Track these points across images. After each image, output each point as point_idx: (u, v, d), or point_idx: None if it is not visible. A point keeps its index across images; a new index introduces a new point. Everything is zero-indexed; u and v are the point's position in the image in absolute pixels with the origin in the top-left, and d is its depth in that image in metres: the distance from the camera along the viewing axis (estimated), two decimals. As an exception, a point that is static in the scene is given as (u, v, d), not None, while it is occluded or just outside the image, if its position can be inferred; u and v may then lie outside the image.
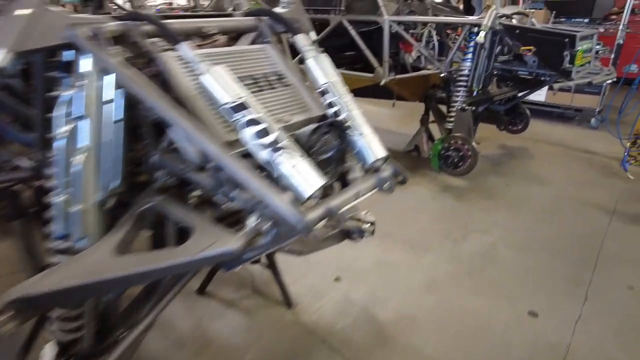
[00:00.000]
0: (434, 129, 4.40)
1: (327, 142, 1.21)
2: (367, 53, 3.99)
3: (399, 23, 3.96)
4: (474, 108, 3.83)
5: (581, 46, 3.40)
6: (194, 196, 1.25)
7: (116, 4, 3.45)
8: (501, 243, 2.95)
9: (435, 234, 3.05)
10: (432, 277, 2.58)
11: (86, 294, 1.20)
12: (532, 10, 5.22)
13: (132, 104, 1.18)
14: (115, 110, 1.18)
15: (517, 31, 3.55)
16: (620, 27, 5.38)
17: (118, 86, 1.15)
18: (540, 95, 5.61)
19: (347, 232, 1.46)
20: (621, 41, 5.41)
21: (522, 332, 2.17)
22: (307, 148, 1.17)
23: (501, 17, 3.61)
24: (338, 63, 4.23)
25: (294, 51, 1.49)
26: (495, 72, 3.93)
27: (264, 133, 1.04)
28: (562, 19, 6.23)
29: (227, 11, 1.81)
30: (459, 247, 2.91)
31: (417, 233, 3.06)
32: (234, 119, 1.06)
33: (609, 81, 3.94)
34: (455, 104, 3.82)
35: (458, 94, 3.80)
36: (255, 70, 1.34)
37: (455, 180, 3.92)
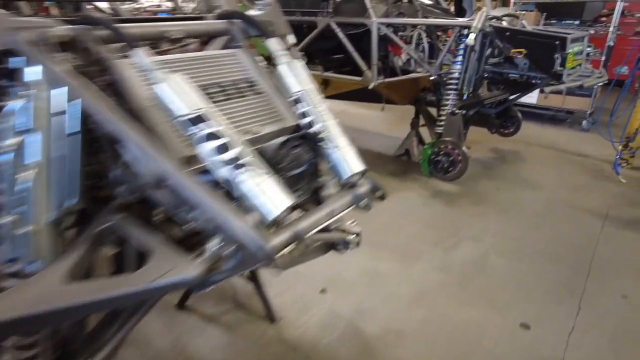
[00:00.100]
0: (425, 132, 4.33)
1: (298, 156, 1.12)
2: (356, 56, 3.91)
3: (388, 25, 3.89)
4: (464, 111, 3.75)
5: (572, 48, 3.35)
6: (159, 213, 1.16)
7: (96, 7, 3.32)
8: (492, 250, 2.88)
9: (426, 242, 2.97)
10: (422, 287, 2.49)
11: (36, 325, 1.10)
12: (523, 12, 5.18)
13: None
14: (69, 122, 1.09)
15: (508, 33, 3.49)
16: (611, 28, 5.36)
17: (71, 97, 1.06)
18: (531, 98, 5.57)
19: (331, 244, 1.38)
20: (612, 43, 5.40)
21: (514, 345, 2.09)
22: (275, 163, 1.08)
23: (491, 19, 3.54)
24: (326, 66, 4.23)
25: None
26: (485, 75, 3.87)
27: (224, 148, 0.95)
28: (552, 21, 6.23)
29: (203, 14, 1.71)
30: (449, 255, 2.83)
31: (407, 240, 2.98)
32: (190, 132, 0.97)
33: (600, 83, 3.89)
34: (445, 108, 3.75)
35: (448, 97, 3.73)
36: (224, 77, 1.24)
37: (446, 185, 3.85)
